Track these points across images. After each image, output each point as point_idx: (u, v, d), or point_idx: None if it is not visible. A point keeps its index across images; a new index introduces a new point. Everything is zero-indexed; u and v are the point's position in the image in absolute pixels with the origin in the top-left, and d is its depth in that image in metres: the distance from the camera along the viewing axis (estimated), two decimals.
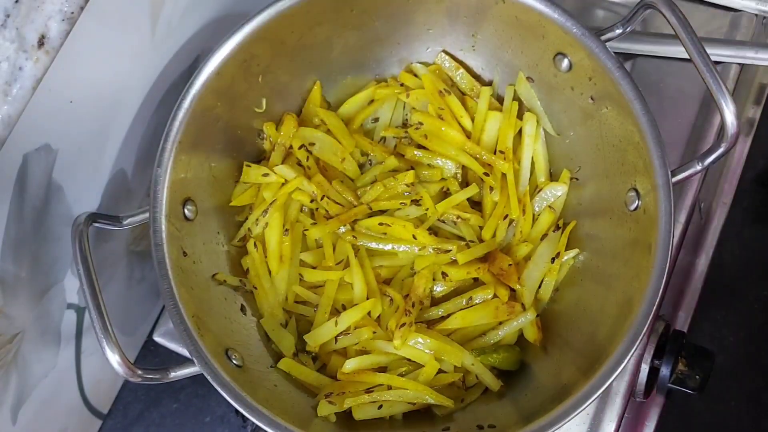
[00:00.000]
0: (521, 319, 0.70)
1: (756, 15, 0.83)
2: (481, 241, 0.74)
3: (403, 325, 0.67)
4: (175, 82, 0.74)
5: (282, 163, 0.74)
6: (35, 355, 0.71)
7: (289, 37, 0.71)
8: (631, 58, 0.82)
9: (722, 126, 0.61)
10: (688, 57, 0.62)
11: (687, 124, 0.79)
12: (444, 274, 0.71)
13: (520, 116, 0.75)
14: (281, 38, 0.71)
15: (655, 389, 0.72)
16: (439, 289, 0.72)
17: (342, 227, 0.72)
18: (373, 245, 0.72)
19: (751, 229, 1.04)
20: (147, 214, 0.65)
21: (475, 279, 0.72)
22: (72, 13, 0.57)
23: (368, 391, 0.66)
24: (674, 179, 0.63)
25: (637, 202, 0.65)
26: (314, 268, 0.72)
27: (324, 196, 0.73)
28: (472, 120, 0.76)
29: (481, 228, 0.74)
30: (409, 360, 0.68)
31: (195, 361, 0.61)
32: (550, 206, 0.74)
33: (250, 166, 0.74)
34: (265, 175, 0.73)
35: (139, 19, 0.66)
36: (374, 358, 0.68)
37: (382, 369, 0.69)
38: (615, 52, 0.65)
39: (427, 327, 0.70)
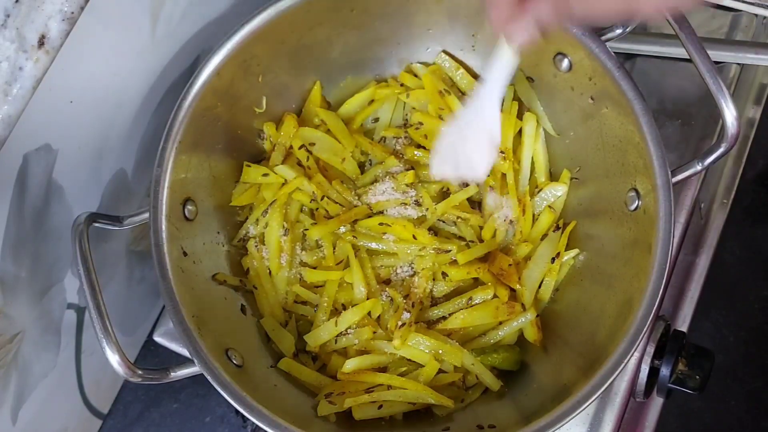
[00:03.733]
0: (521, 319, 0.70)
1: (756, 15, 0.83)
2: (481, 241, 0.74)
3: (403, 325, 0.67)
4: (175, 82, 0.74)
5: (282, 163, 0.74)
6: (35, 355, 0.71)
7: (289, 37, 0.71)
8: (631, 58, 0.82)
9: (722, 126, 0.61)
10: (688, 57, 0.62)
11: (687, 124, 0.79)
12: (444, 274, 0.71)
13: (520, 116, 0.75)
14: (281, 38, 0.71)
15: (655, 389, 0.72)
16: (439, 289, 0.72)
17: (342, 227, 0.72)
18: (373, 245, 0.72)
19: (751, 229, 1.04)
20: (147, 214, 0.65)
21: (475, 279, 0.72)
22: (72, 13, 0.57)
23: (368, 391, 0.66)
24: (674, 179, 0.63)
25: (637, 202, 0.65)
26: (314, 268, 0.72)
27: (324, 196, 0.73)
28: None
29: (481, 228, 0.74)
30: (409, 360, 0.68)
31: (195, 361, 0.61)
32: (550, 206, 0.74)
33: (250, 166, 0.74)
34: (265, 175, 0.73)
35: (140, 19, 0.66)
36: (374, 358, 0.68)
37: (382, 369, 0.69)
38: (615, 52, 0.65)
39: (427, 327, 0.70)
